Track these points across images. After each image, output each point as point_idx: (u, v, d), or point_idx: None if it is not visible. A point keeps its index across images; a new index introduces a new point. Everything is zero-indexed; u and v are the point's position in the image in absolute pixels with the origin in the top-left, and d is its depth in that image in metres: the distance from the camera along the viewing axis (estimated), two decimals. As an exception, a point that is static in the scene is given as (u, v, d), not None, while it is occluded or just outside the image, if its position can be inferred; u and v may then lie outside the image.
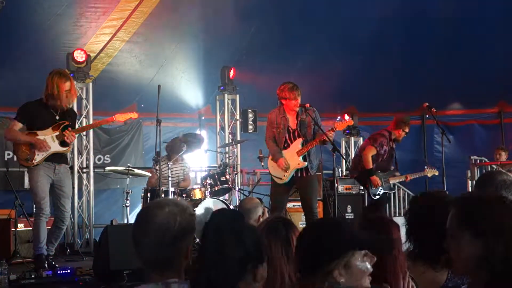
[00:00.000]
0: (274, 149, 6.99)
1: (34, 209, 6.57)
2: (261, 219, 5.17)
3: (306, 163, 6.93)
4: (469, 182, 10.35)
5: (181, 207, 2.30)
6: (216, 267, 1.96)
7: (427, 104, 8.64)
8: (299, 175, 6.98)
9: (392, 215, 9.74)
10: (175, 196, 8.44)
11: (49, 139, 6.40)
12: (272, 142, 7.03)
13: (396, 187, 11.04)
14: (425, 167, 9.00)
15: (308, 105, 7.08)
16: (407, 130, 8.65)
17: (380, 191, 8.54)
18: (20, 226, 7.69)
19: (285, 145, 6.97)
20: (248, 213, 5.13)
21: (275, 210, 6.86)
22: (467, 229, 2.02)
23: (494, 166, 10.13)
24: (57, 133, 6.44)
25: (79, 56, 9.35)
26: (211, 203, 8.46)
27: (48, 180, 6.36)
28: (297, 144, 6.98)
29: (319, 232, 2.17)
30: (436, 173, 8.90)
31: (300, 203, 7.55)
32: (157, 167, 8.14)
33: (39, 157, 6.33)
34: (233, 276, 1.96)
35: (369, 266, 2.15)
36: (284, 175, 6.97)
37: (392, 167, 8.73)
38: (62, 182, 6.45)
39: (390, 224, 2.76)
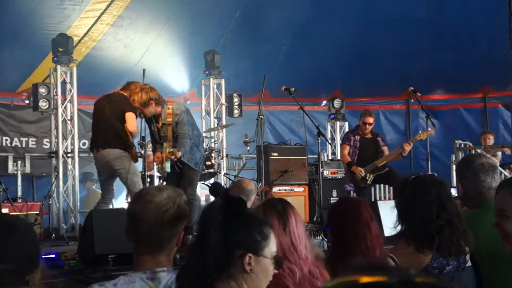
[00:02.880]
0: None
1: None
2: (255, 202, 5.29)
3: None
4: (454, 166, 10.42)
5: (178, 192, 2.37)
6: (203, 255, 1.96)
7: (412, 88, 8.69)
8: None
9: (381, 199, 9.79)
10: (161, 181, 8.45)
11: None
12: None
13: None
14: (419, 131, 8.98)
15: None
16: (365, 121, 8.68)
17: (368, 177, 8.61)
18: (5, 211, 7.66)
19: None
20: (250, 195, 5.21)
21: None
22: None
23: (479, 150, 10.21)
24: None
25: (61, 43, 9.33)
26: (197, 188, 8.47)
27: None
28: None
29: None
30: (432, 132, 8.75)
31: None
32: (143, 152, 8.12)
33: None
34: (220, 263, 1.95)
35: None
36: None
37: (379, 155, 8.75)
38: None
39: (357, 204, 2.97)
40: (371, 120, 8.72)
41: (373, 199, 8.83)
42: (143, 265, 2.26)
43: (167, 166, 7.14)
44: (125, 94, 7.26)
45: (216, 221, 1.94)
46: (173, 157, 6.77)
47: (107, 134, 7.11)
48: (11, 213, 7.29)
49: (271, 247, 2.04)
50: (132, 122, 6.99)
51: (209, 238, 1.93)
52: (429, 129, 8.60)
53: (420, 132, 8.86)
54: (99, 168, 7.39)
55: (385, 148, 8.83)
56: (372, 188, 9.09)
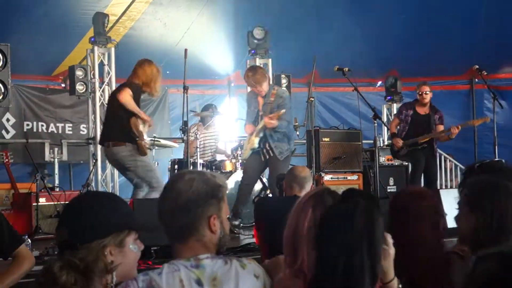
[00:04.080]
0: None
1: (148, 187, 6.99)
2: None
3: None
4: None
5: (204, 175, 2.34)
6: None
7: (477, 66, 8.52)
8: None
9: (442, 187, 9.63)
10: (204, 169, 8.49)
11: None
12: None
13: (443, 158, 10.94)
14: (484, 114, 8.85)
15: None
16: (420, 90, 8.62)
17: (402, 151, 8.65)
18: (42, 200, 7.81)
19: None
20: (304, 182, 5.13)
21: None
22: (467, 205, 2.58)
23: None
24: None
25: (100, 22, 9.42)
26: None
27: None
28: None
29: (94, 204, 2.21)
30: (488, 120, 8.69)
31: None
32: (185, 138, 8.16)
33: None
34: None
35: (139, 251, 2.24)
36: None
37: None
38: None
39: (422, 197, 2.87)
40: (427, 88, 8.61)
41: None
42: (180, 254, 2.27)
43: (255, 141, 7.48)
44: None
45: (379, 222, 1.91)
46: (271, 121, 7.21)
47: (113, 128, 7.02)
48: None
49: None
50: (123, 95, 6.80)
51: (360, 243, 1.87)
52: (486, 116, 8.48)
53: (473, 118, 8.72)
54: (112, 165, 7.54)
55: (439, 127, 8.66)
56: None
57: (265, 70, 7.69)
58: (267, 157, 7.52)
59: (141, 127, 6.83)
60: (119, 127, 6.84)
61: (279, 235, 2.09)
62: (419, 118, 8.65)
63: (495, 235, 2.47)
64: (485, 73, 8.49)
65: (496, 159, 7.66)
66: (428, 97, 8.60)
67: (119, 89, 7.01)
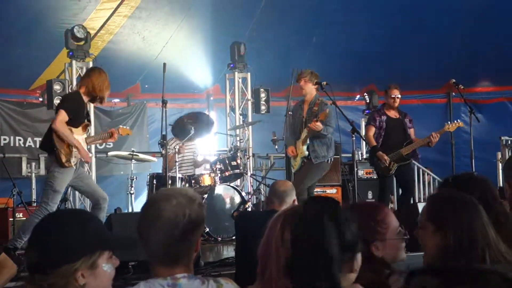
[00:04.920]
0: None
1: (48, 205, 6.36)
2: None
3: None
4: (500, 164, 10.30)
5: (189, 198, 2.28)
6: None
7: (454, 80, 8.59)
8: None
9: (417, 201, 9.67)
10: (183, 183, 8.48)
11: (82, 141, 6.51)
12: None
13: (421, 171, 11.00)
14: (445, 123, 8.74)
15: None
16: (391, 94, 8.41)
17: (391, 167, 8.35)
18: (19, 215, 7.75)
19: None
20: (284, 197, 5.12)
21: None
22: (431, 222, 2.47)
23: (527, 147, 10.08)
24: (85, 135, 6.63)
25: (80, 32, 9.35)
26: (221, 190, 8.50)
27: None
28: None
29: (64, 226, 2.11)
30: (461, 125, 8.55)
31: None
32: (166, 151, 8.15)
33: (74, 160, 6.40)
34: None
35: (113, 269, 2.14)
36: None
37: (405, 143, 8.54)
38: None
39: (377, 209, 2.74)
40: (398, 92, 8.48)
41: (395, 191, 8.76)
42: (160, 273, 2.24)
43: (304, 149, 7.72)
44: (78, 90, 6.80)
45: (334, 228, 1.89)
46: (316, 123, 7.40)
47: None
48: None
49: None
50: (57, 118, 6.39)
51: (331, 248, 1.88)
52: (458, 120, 8.48)
53: (449, 122, 8.59)
54: None
55: (411, 131, 8.60)
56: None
57: (317, 79, 7.84)
58: (305, 160, 7.71)
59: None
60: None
61: (256, 250, 2.10)
62: (394, 123, 8.50)
63: (466, 254, 2.35)
64: (462, 87, 8.54)
65: (474, 171, 7.74)
66: (398, 101, 8.51)
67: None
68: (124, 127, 7.69)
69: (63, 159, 6.29)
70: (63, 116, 6.31)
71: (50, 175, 6.42)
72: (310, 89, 7.82)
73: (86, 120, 6.65)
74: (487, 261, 2.35)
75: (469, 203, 2.47)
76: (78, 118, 6.48)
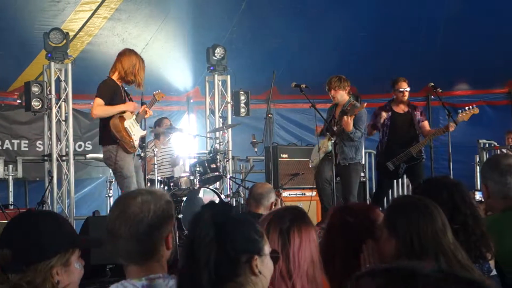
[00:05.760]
0: None
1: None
2: (273, 207, 5.16)
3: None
4: (477, 167, 10.39)
5: (155, 195, 2.30)
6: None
7: (432, 84, 8.64)
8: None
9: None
10: (161, 186, 8.48)
11: (133, 123, 6.86)
12: None
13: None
14: (458, 111, 8.47)
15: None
16: (399, 88, 8.37)
17: (400, 170, 8.27)
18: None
19: None
20: (259, 199, 5.13)
21: None
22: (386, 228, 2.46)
23: (504, 150, 10.16)
24: (133, 116, 6.89)
25: (56, 38, 9.32)
26: (200, 192, 8.49)
27: None
28: None
29: (39, 224, 2.17)
30: (476, 111, 8.27)
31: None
32: (145, 153, 8.13)
33: (136, 142, 6.81)
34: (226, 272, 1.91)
35: (82, 268, 2.29)
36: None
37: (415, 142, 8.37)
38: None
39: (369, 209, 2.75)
40: (405, 85, 8.36)
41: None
42: (134, 274, 2.26)
43: (329, 144, 7.71)
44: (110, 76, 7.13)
45: (209, 234, 1.86)
46: (348, 121, 7.39)
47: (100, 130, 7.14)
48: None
49: (267, 243, 2.01)
50: (93, 106, 6.89)
51: (204, 253, 1.86)
52: (474, 106, 8.28)
53: (461, 111, 8.40)
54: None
55: (425, 124, 8.47)
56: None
57: (348, 83, 8.06)
58: (335, 162, 7.69)
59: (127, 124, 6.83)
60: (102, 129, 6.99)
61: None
62: (399, 118, 8.37)
63: (419, 259, 2.32)
64: (440, 90, 8.60)
65: (451, 174, 7.80)
66: (407, 94, 8.37)
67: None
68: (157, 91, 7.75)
69: (127, 147, 6.72)
70: (97, 102, 6.72)
71: (116, 167, 6.77)
72: (341, 95, 7.95)
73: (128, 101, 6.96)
74: None
75: (420, 208, 2.44)
76: (117, 103, 6.80)
